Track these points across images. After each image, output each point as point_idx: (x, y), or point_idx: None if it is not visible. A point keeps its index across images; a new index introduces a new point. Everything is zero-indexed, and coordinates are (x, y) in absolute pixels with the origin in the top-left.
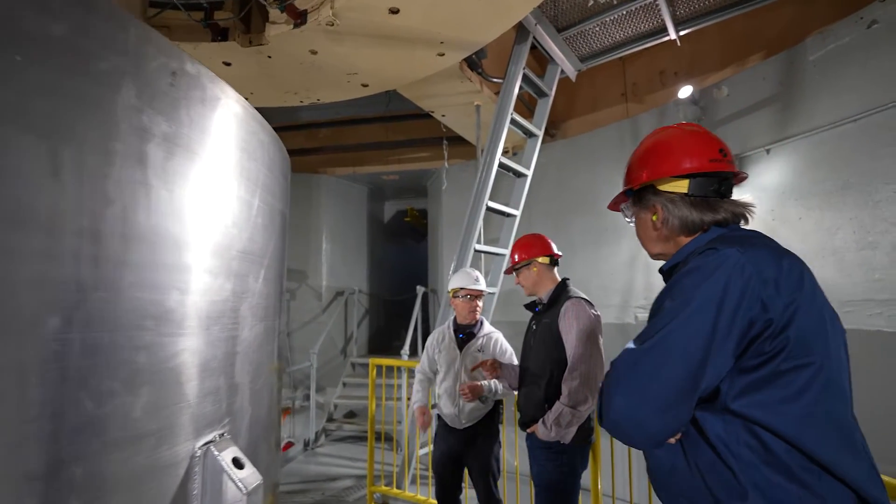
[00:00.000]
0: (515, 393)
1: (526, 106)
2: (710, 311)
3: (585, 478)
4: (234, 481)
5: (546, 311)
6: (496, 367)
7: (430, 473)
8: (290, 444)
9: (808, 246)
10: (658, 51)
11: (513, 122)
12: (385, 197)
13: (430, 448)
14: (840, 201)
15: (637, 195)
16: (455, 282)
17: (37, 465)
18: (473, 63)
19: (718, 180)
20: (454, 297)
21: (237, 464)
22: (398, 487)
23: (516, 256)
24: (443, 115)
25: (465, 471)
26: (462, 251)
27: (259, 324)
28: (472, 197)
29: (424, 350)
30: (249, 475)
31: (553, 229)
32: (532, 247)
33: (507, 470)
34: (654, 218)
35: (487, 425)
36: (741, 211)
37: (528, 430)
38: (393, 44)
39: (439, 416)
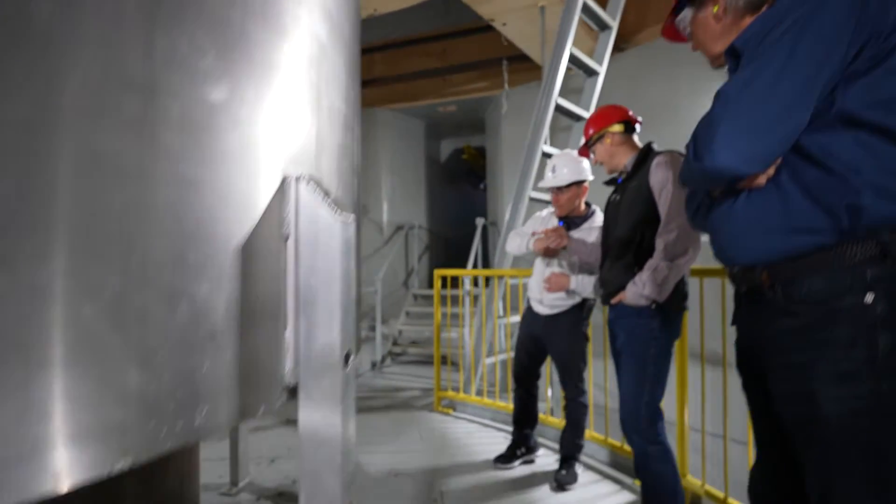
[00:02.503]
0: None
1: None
2: (826, 15)
3: (670, 409)
4: (326, 206)
5: (633, 175)
6: (560, 234)
7: (496, 385)
8: None
9: None
10: None
11: (585, 9)
12: (441, 135)
13: (495, 358)
14: None
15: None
16: (546, 181)
17: None
18: None
19: None
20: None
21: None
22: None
23: (590, 131)
24: (504, 24)
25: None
26: (529, 154)
27: None
28: (539, 94)
29: (525, 227)
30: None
31: None
32: (602, 117)
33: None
34: (714, 9)
35: (570, 318)
36: None
37: (613, 301)
38: None
39: (528, 300)
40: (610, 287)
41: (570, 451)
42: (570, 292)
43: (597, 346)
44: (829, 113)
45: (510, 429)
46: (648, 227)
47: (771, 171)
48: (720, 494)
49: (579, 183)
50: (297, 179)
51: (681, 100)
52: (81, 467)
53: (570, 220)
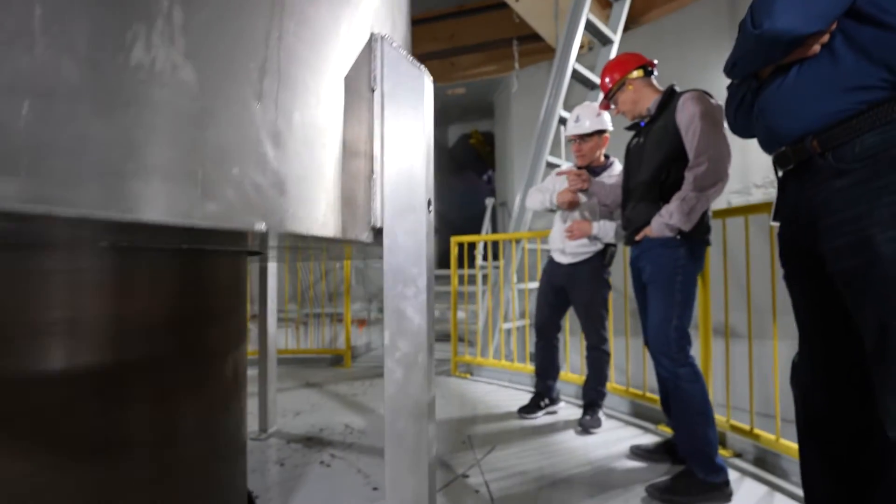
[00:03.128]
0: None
1: None
2: None
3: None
4: (409, 62)
5: (657, 116)
6: (582, 177)
7: (515, 350)
8: (364, 322)
9: None
10: None
11: None
12: (449, 119)
13: (513, 324)
14: None
15: None
16: (569, 129)
17: None
18: None
19: None
20: (569, 142)
21: None
22: (482, 355)
23: (607, 80)
24: (516, 1)
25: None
26: (546, 118)
27: None
28: (554, 62)
29: (546, 184)
30: None
31: None
32: (621, 64)
33: None
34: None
35: (592, 264)
36: None
37: (638, 237)
38: None
39: (549, 253)
40: (634, 225)
41: (593, 398)
42: (592, 238)
43: (617, 302)
44: None
45: (529, 389)
46: (675, 165)
47: (825, 38)
48: (745, 427)
49: (601, 132)
50: (383, 38)
51: (692, 74)
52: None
53: (591, 170)
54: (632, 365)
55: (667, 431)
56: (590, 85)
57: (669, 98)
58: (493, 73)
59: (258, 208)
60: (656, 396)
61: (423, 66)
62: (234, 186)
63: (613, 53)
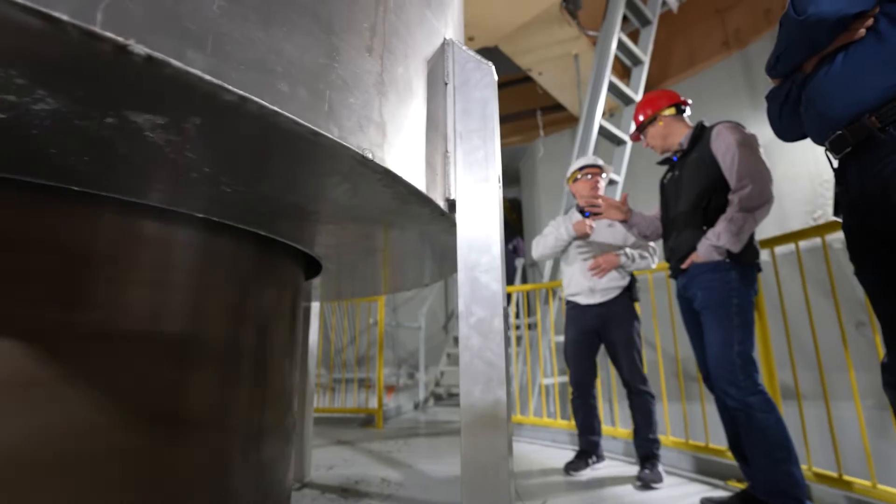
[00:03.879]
0: (649, 247)
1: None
2: None
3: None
4: (476, 61)
5: (690, 150)
6: (624, 208)
7: (556, 402)
8: (393, 388)
9: None
10: None
11: (620, 46)
12: None
13: (555, 379)
14: None
15: None
16: (573, 166)
17: None
18: (571, 10)
19: None
20: (574, 182)
21: None
22: (521, 413)
23: (640, 117)
24: (540, 74)
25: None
26: (585, 133)
27: None
28: (581, 116)
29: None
30: None
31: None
32: (654, 100)
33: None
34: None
35: (623, 301)
36: None
37: (685, 265)
38: None
39: (568, 301)
40: (679, 254)
41: (648, 449)
42: (621, 269)
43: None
44: None
45: (572, 447)
46: (715, 193)
47: (869, 21)
48: (832, 474)
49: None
50: (452, 42)
51: None
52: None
53: (595, 212)
54: (689, 414)
55: (739, 487)
56: (616, 141)
57: (701, 132)
58: (518, 141)
59: (366, 139)
60: (722, 447)
61: (488, 63)
62: (350, 114)
63: (643, 76)
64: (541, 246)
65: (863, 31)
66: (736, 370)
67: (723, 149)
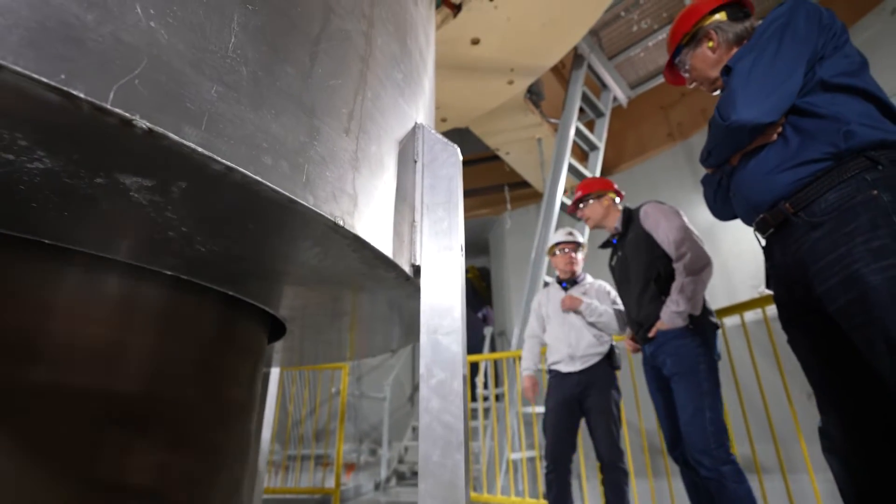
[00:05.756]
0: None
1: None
2: (798, 22)
3: None
4: (443, 143)
5: (626, 231)
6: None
7: (524, 478)
8: (353, 466)
9: None
10: (697, 91)
11: (578, 133)
12: None
13: (523, 454)
14: None
15: (688, 41)
16: (552, 239)
17: None
18: (535, 100)
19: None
20: (553, 255)
21: None
22: (489, 492)
23: (588, 189)
24: (507, 153)
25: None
26: (538, 252)
27: None
28: (544, 195)
29: (532, 312)
30: None
31: None
32: (603, 182)
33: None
34: (709, 45)
35: (604, 369)
36: None
37: (651, 333)
38: (471, 74)
39: (549, 370)
40: (646, 325)
41: None
42: (599, 335)
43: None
44: (813, 82)
45: None
46: (660, 261)
47: (779, 128)
48: None
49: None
50: (422, 126)
51: None
52: None
53: (573, 281)
54: (656, 491)
55: None
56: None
57: (629, 214)
58: (487, 213)
59: (338, 207)
60: None
61: (454, 145)
62: (325, 185)
63: (599, 162)
64: (531, 346)
65: (775, 136)
66: (709, 438)
67: (652, 225)
